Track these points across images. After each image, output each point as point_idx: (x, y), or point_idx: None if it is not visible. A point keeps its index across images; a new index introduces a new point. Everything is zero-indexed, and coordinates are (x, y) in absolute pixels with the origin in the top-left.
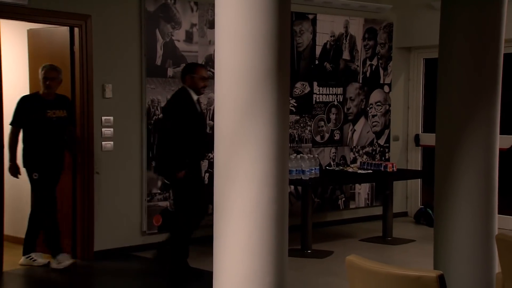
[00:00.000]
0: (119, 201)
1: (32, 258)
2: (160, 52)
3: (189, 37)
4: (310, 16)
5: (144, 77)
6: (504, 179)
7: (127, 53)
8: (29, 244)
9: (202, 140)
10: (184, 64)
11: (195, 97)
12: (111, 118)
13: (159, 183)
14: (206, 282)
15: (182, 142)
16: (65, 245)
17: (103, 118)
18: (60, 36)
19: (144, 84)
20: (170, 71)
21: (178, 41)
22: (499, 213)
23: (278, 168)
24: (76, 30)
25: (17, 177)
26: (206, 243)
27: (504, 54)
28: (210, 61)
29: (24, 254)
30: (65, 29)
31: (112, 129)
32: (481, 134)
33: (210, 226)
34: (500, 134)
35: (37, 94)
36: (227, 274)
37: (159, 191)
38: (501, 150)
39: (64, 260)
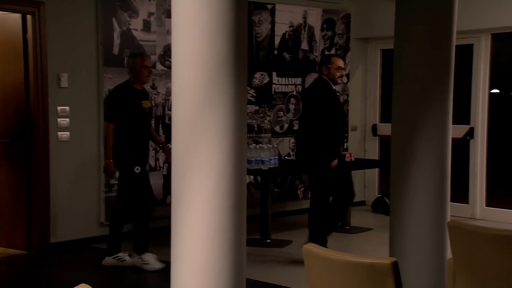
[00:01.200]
0: (76, 192)
1: (120, 258)
2: (117, 41)
3: (146, 26)
4: (269, 6)
5: (101, 67)
6: (457, 168)
7: (83, 41)
8: (114, 244)
9: (343, 127)
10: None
11: (333, 86)
12: (67, 108)
13: (117, 174)
14: (164, 273)
15: (331, 131)
16: (20, 237)
17: (59, 108)
18: (12, 24)
19: (101, 73)
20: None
21: (136, 30)
22: (451, 201)
23: (236, 158)
24: (29, 17)
25: (112, 178)
26: (163, 233)
27: (455, 46)
28: (168, 51)
29: (109, 255)
30: (17, 16)
31: (68, 119)
32: (435, 124)
33: (168, 217)
34: (454, 124)
35: (129, 84)
36: (185, 264)
37: (117, 182)
38: (454, 140)
39: (151, 261)
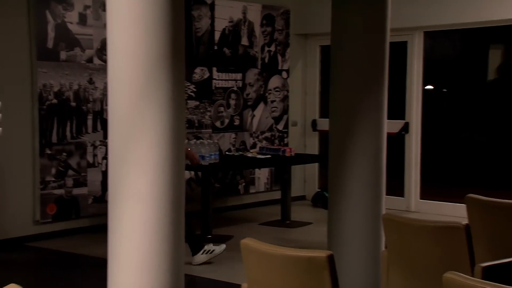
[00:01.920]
0: (10, 190)
1: (209, 250)
2: (51, 34)
3: (82, 20)
4: (208, 1)
5: (35, 61)
6: (394, 162)
7: (15, 34)
8: (195, 242)
9: None
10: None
11: None
12: None
13: (54, 170)
14: (100, 270)
15: None
16: None
17: None
18: None
19: (35, 68)
20: (63, 55)
21: (71, 23)
22: (388, 194)
23: (174, 153)
24: None
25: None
26: (100, 231)
27: (390, 43)
28: (105, 45)
29: (195, 254)
30: None
31: (0, 115)
32: (370, 119)
33: (104, 214)
34: (389, 119)
35: None
36: (122, 261)
37: (53, 179)
38: (390, 135)
39: (212, 247)
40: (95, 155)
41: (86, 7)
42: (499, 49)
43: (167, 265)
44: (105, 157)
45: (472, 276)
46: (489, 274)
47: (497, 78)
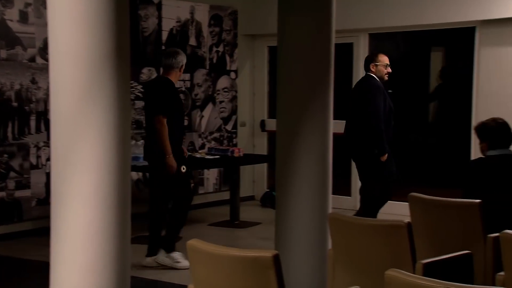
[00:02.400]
0: None
1: (175, 259)
2: None
3: (23, 17)
4: (155, 1)
5: None
6: (341, 162)
7: None
8: (156, 244)
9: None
10: None
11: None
12: None
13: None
14: (43, 274)
15: (382, 126)
16: None
17: None
18: None
19: None
20: (3, 53)
21: (11, 21)
22: (335, 194)
23: (120, 153)
24: None
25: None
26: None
27: (336, 44)
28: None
29: (151, 255)
30: None
31: None
32: (316, 119)
33: (48, 217)
34: (337, 119)
35: (167, 78)
36: (65, 264)
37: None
38: (338, 135)
39: (180, 259)
40: (38, 157)
41: (27, 4)
42: (440, 52)
43: (112, 266)
44: (49, 159)
45: (414, 272)
46: (429, 270)
47: (438, 79)
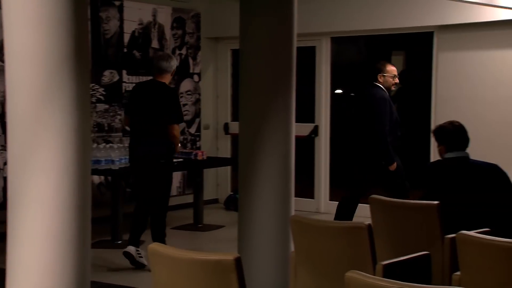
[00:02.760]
0: None
1: (139, 255)
2: None
3: None
4: (117, 3)
5: None
6: (304, 165)
7: None
8: (138, 236)
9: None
10: None
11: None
12: None
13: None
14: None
15: (387, 138)
16: None
17: None
18: None
19: None
20: None
21: None
22: (299, 196)
23: (79, 157)
24: None
25: None
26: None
27: (298, 48)
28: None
29: (133, 244)
30: None
31: None
32: (278, 122)
33: (3, 222)
34: (300, 122)
35: (166, 84)
36: (22, 270)
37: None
38: (300, 137)
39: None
40: None
41: None
42: (400, 56)
43: (71, 271)
44: (6, 162)
45: (374, 274)
46: (389, 271)
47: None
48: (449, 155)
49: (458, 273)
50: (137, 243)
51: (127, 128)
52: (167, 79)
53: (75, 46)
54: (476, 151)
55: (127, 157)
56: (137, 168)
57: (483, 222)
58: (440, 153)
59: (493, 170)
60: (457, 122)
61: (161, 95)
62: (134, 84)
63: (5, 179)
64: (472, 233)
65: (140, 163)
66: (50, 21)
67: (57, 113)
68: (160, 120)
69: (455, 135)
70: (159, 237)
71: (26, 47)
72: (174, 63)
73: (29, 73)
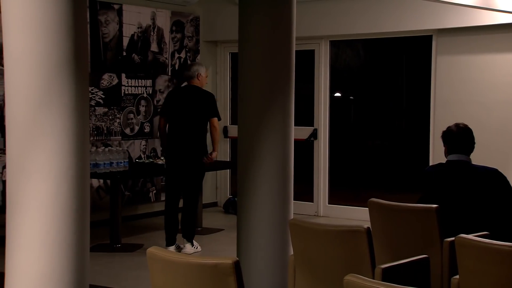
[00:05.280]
0: None
1: (196, 246)
2: None
3: None
4: (116, 6)
5: None
6: (303, 168)
7: None
8: (174, 235)
9: None
10: None
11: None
12: None
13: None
14: None
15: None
16: None
17: None
18: None
19: None
20: None
21: None
22: (298, 200)
23: (78, 160)
24: None
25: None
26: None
27: (298, 51)
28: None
29: (171, 244)
30: None
31: None
32: (277, 126)
33: (2, 225)
34: (299, 126)
35: (199, 87)
36: (21, 274)
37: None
38: (299, 141)
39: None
40: None
41: None
42: (399, 59)
43: (70, 276)
44: (5, 166)
45: (373, 277)
46: (388, 275)
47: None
48: (450, 157)
49: (457, 276)
50: (173, 241)
51: (161, 129)
52: (196, 82)
53: (74, 49)
54: (474, 155)
55: (127, 160)
56: (175, 166)
57: (482, 225)
58: (445, 154)
59: (493, 174)
60: (464, 124)
61: (201, 97)
62: (133, 88)
63: (4, 182)
64: (471, 236)
65: (182, 161)
66: (49, 25)
67: (55, 116)
68: (199, 119)
69: (457, 137)
70: (189, 234)
71: (25, 51)
72: (196, 68)
73: (28, 77)
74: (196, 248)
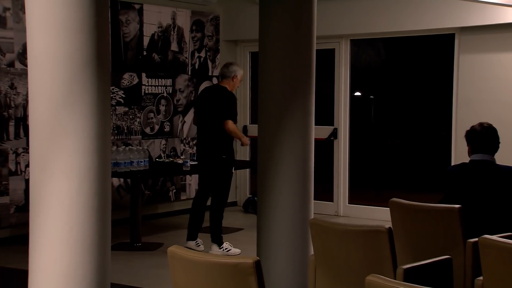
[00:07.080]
0: None
1: (225, 249)
2: None
3: (2, 22)
4: (136, 6)
5: None
6: (324, 168)
7: None
8: (196, 231)
9: None
10: None
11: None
12: None
13: None
14: (21, 283)
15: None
16: None
17: None
18: None
19: None
20: None
21: None
22: (318, 199)
23: (99, 160)
24: None
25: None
26: (22, 241)
27: (318, 50)
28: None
29: (191, 239)
30: None
31: None
32: (298, 125)
33: (27, 224)
34: (319, 125)
35: (222, 86)
36: (44, 272)
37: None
38: (319, 140)
39: (229, 247)
40: (17, 163)
41: (6, 9)
42: (420, 58)
43: (92, 275)
44: (29, 165)
45: (394, 278)
46: (410, 275)
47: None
48: (473, 157)
49: (480, 278)
50: (193, 237)
51: (195, 125)
52: (227, 83)
53: (97, 50)
54: (498, 155)
55: (147, 159)
56: (201, 163)
57: (506, 226)
58: (469, 154)
59: None
60: (488, 124)
61: (218, 97)
62: (153, 87)
63: (26, 181)
64: (495, 237)
65: (204, 159)
66: (72, 25)
67: (78, 116)
68: (214, 120)
69: (481, 136)
70: (212, 235)
71: (48, 51)
72: (234, 69)
73: (51, 77)
74: (224, 250)
